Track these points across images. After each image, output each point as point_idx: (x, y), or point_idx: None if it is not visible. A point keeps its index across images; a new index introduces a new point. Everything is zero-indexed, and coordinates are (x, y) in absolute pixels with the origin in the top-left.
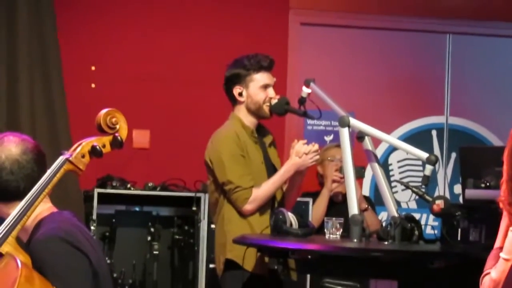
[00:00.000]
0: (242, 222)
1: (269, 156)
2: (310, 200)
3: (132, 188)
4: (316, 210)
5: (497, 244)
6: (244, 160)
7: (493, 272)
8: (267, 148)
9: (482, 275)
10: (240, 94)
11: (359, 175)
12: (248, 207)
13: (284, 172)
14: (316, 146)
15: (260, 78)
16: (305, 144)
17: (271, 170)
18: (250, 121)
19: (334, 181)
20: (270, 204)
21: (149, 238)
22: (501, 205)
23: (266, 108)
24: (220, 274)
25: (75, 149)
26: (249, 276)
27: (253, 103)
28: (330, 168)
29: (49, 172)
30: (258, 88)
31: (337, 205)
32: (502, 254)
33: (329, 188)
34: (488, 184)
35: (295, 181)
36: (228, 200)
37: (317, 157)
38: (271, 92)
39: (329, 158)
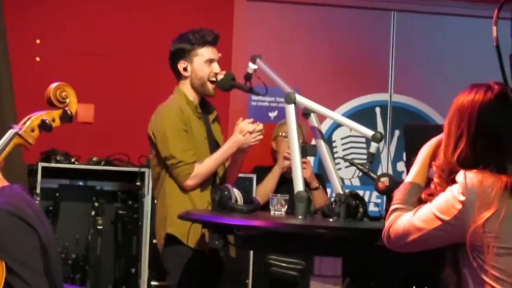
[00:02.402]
0: (184, 197)
1: (212, 132)
2: (254, 176)
3: (76, 163)
4: (265, 186)
5: (412, 178)
6: (187, 135)
7: (416, 219)
8: (210, 124)
9: (393, 207)
10: (185, 69)
11: (311, 153)
12: (189, 182)
13: (226, 148)
14: (261, 126)
15: (205, 52)
16: (250, 123)
17: (214, 146)
18: (194, 96)
19: (286, 158)
20: (212, 180)
21: (93, 213)
22: (434, 168)
23: (210, 85)
24: (161, 249)
25: (24, 123)
26: (189, 251)
27: (197, 78)
28: (283, 144)
29: None
30: (203, 62)
31: (288, 182)
32: (435, 211)
33: (280, 165)
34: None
35: (237, 159)
36: (170, 175)
37: (261, 136)
38: (215, 67)
39: (282, 134)
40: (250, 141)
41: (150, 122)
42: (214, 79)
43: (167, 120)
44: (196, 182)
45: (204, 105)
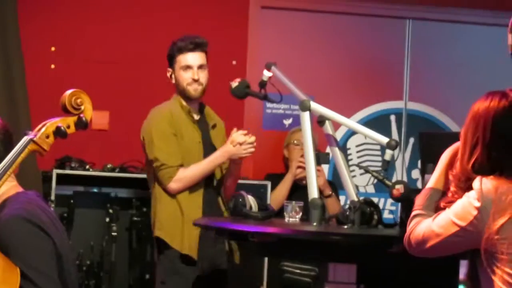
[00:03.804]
0: (171, 201)
1: (210, 137)
2: (269, 183)
3: (90, 169)
4: (278, 194)
5: (433, 184)
6: (175, 139)
7: (435, 225)
8: (210, 129)
9: (414, 213)
10: (171, 76)
11: (324, 161)
12: (172, 185)
13: (215, 157)
14: (253, 138)
15: (182, 59)
16: (244, 134)
17: (210, 151)
18: (187, 100)
19: (299, 167)
20: (203, 185)
21: (107, 220)
22: (450, 177)
23: (189, 88)
24: (156, 253)
25: (39, 130)
26: (177, 255)
27: (178, 85)
28: (296, 152)
29: (13, 152)
30: (179, 69)
31: (301, 189)
32: (452, 217)
33: (293, 173)
34: None
35: (231, 169)
36: (156, 178)
37: (252, 149)
38: (190, 74)
39: (294, 142)
40: (241, 152)
41: (142, 126)
42: (190, 85)
43: (155, 124)
44: (180, 186)
45: (205, 111)
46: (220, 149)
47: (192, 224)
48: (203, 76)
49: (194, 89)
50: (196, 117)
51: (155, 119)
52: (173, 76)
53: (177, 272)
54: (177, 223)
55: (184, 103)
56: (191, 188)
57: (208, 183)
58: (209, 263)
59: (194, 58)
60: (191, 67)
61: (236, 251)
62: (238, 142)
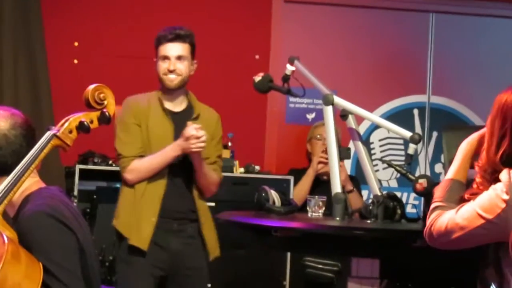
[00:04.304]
0: (129, 191)
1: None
2: (292, 178)
3: (113, 165)
4: (300, 189)
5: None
6: (137, 130)
7: (459, 218)
8: (188, 121)
9: (434, 205)
10: (156, 68)
11: (345, 156)
12: (127, 176)
13: (167, 150)
14: (201, 133)
15: (161, 49)
16: (196, 128)
17: None
18: (166, 91)
19: (320, 162)
20: (170, 177)
21: None
22: (476, 168)
23: (165, 78)
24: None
25: (62, 125)
26: (129, 246)
27: (158, 75)
28: (318, 147)
29: (36, 147)
30: (159, 59)
31: (323, 184)
32: (478, 209)
33: (314, 168)
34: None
35: (194, 164)
36: None
37: (201, 144)
38: (169, 64)
39: (317, 136)
40: (189, 146)
41: None
42: (166, 75)
43: (120, 114)
44: (134, 177)
45: (190, 103)
46: (173, 143)
47: (217, 219)
48: (181, 67)
49: (169, 80)
50: (177, 108)
51: (122, 110)
52: (157, 69)
53: (127, 262)
54: (132, 213)
55: (160, 94)
56: (151, 179)
57: (177, 175)
58: (169, 256)
59: (172, 49)
60: (169, 57)
61: (212, 247)
62: (187, 136)
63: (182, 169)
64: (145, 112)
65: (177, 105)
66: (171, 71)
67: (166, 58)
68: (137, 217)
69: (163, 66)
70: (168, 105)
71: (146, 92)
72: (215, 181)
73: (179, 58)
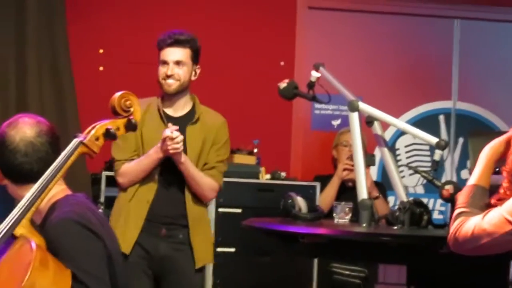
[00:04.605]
0: (123, 195)
1: (184, 136)
2: (318, 184)
3: None
4: (325, 196)
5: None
6: (132, 135)
7: (486, 223)
8: (187, 126)
9: (458, 211)
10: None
11: (370, 162)
12: (119, 179)
13: (150, 152)
14: (175, 134)
15: (161, 54)
16: (172, 130)
17: (183, 148)
18: (165, 96)
19: (345, 169)
20: (161, 180)
21: None
22: (504, 174)
23: (164, 83)
24: None
25: (89, 132)
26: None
27: (158, 79)
28: (344, 153)
29: (63, 154)
30: (159, 64)
31: (349, 190)
32: (506, 215)
33: (339, 175)
34: (498, 169)
35: (178, 167)
36: None
37: (176, 146)
38: (167, 69)
39: (343, 143)
40: (166, 148)
41: None
42: (164, 80)
43: None
44: (125, 181)
45: (193, 107)
46: (156, 145)
47: (241, 225)
48: (180, 72)
49: (167, 85)
50: (177, 113)
51: None
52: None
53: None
54: (120, 216)
55: (159, 99)
56: (142, 182)
57: (169, 179)
58: (156, 261)
59: (170, 54)
60: (167, 62)
61: (200, 256)
62: (162, 138)
63: (175, 174)
64: (141, 117)
65: (178, 110)
66: (169, 76)
67: (165, 63)
68: (125, 221)
69: (162, 70)
70: (168, 110)
71: (150, 97)
72: (210, 187)
73: (178, 63)
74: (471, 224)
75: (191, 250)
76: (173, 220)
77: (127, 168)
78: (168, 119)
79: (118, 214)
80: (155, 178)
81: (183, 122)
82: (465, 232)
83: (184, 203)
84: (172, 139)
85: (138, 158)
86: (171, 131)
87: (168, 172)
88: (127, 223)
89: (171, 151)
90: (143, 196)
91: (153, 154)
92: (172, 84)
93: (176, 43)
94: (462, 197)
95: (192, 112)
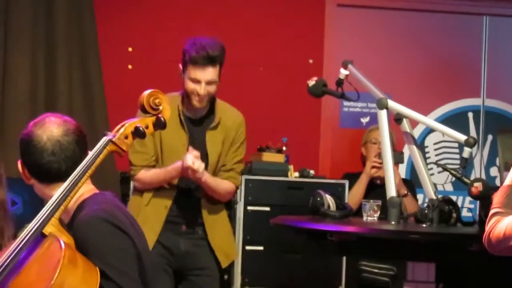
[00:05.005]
0: (136, 198)
1: (204, 138)
2: (347, 182)
3: None
4: (354, 194)
5: (510, 182)
6: (149, 138)
7: None
8: (206, 132)
9: (493, 211)
10: (181, 74)
11: (398, 160)
12: (135, 183)
13: (170, 170)
14: (197, 165)
15: (192, 71)
16: (194, 160)
17: (201, 153)
18: (187, 100)
19: (373, 167)
20: (180, 189)
21: None
22: None
23: (193, 100)
24: None
25: (118, 130)
26: None
27: (185, 88)
28: (373, 151)
29: (92, 153)
30: (188, 78)
31: (377, 188)
32: None
33: (367, 173)
34: None
35: (200, 183)
36: None
37: (198, 176)
38: (198, 88)
39: (372, 140)
40: (187, 174)
41: None
42: (194, 96)
43: None
44: (140, 186)
45: (210, 110)
46: (177, 164)
47: (270, 223)
48: (211, 90)
49: (197, 101)
50: (197, 115)
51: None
52: (182, 75)
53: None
54: (137, 218)
55: (180, 98)
56: (157, 189)
57: (186, 184)
58: (177, 257)
59: (204, 74)
60: (200, 81)
61: (223, 257)
62: (185, 167)
63: (191, 181)
64: None
65: (198, 111)
66: (199, 94)
67: (195, 81)
68: (143, 224)
69: (192, 86)
70: (189, 111)
71: (172, 93)
72: (227, 191)
73: (209, 82)
74: (503, 224)
75: (210, 247)
76: (191, 217)
77: (145, 178)
78: (188, 121)
79: (135, 216)
80: (173, 184)
81: (202, 125)
82: (497, 233)
83: (200, 206)
84: (194, 170)
85: (156, 170)
86: (193, 161)
87: (186, 178)
88: (145, 226)
89: (192, 178)
90: (161, 201)
91: (173, 172)
92: (203, 102)
93: (209, 62)
94: (497, 198)
95: (211, 111)
